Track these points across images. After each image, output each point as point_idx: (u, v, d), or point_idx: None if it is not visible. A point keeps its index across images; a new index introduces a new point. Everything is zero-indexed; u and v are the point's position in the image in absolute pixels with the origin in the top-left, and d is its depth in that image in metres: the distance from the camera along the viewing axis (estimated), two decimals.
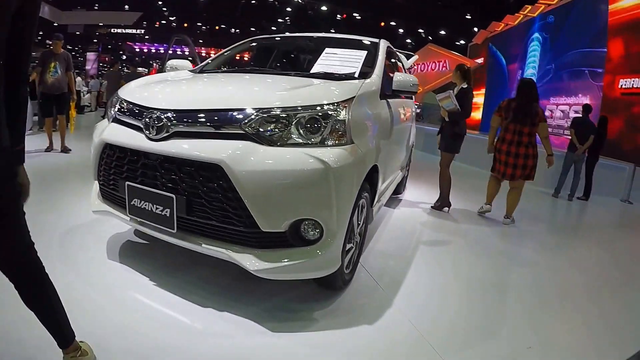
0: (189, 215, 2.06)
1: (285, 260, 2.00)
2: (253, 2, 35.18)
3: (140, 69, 22.24)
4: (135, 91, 2.50)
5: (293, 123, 2.05)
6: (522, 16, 14.69)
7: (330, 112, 2.11)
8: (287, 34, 4.31)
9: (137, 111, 2.29)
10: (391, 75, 3.06)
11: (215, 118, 2.07)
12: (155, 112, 2.15)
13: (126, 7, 35.66)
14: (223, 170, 1.92)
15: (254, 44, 4.04)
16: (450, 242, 3.82)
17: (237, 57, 4.14)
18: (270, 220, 1.95)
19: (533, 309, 2.66)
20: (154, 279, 2.42)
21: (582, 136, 6.24)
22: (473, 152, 6.89)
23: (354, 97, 2.30)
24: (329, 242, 2.04)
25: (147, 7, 34.60)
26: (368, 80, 2.68)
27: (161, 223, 2.13)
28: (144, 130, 2.17)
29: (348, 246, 2.34)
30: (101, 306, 2.12)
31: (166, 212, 2.08)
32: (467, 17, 26.80)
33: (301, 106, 2.09)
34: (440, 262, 3.24)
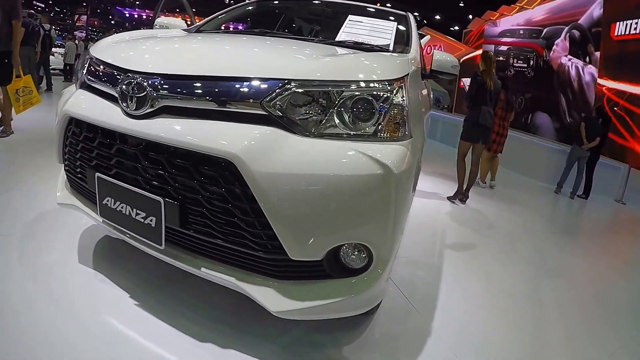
0: (183, 227, 1.39)
1: (320, 298, 1.34)
2: None
3: None
4: (111, 48, 1.75)
5: (337, 104, 1.35)
6: (517, 7, 13.83)
7: (384, 94, 1.40)
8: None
9: (111, 75, 1.55)
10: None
11: (223, 90, 1.35)
12: (135, 76, 1.43)
13: None
14: (236, 168, 1.24)
15: (262, 4, 3.23)
16: (475, 244, 3.28)
17: (242, 19, 3.39)
18: (304, 245, 1.28)
19: (583, 332, 2.16)
20: (135, 296, 1.77)
21: (589, 135, 5.91)
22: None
23: (407, 74, 1.57)
24: (378, 274, 1.39)
25: None
26: (411, 56, 1.95)
27: (143, 234, 1.45)
28: (120, 102, 1.46)
29: None
30: (62, 335, 1.49)
31: (151, 220, 1.41)
32: (460, 4, 25.96)
33: (348, 81, 1.38)
34: (471, 272, 2.70)
